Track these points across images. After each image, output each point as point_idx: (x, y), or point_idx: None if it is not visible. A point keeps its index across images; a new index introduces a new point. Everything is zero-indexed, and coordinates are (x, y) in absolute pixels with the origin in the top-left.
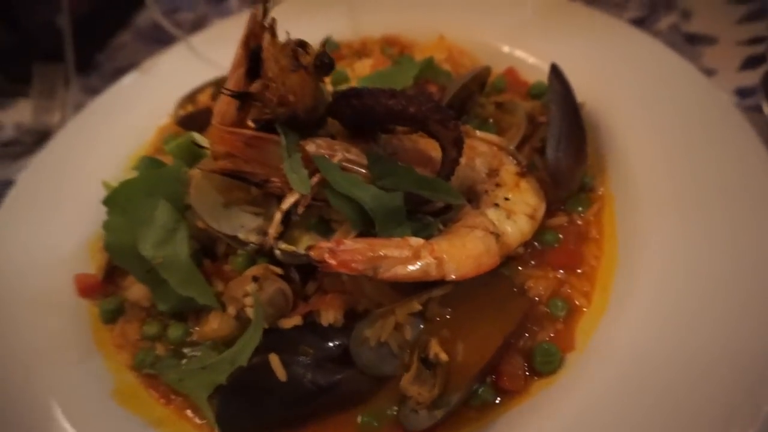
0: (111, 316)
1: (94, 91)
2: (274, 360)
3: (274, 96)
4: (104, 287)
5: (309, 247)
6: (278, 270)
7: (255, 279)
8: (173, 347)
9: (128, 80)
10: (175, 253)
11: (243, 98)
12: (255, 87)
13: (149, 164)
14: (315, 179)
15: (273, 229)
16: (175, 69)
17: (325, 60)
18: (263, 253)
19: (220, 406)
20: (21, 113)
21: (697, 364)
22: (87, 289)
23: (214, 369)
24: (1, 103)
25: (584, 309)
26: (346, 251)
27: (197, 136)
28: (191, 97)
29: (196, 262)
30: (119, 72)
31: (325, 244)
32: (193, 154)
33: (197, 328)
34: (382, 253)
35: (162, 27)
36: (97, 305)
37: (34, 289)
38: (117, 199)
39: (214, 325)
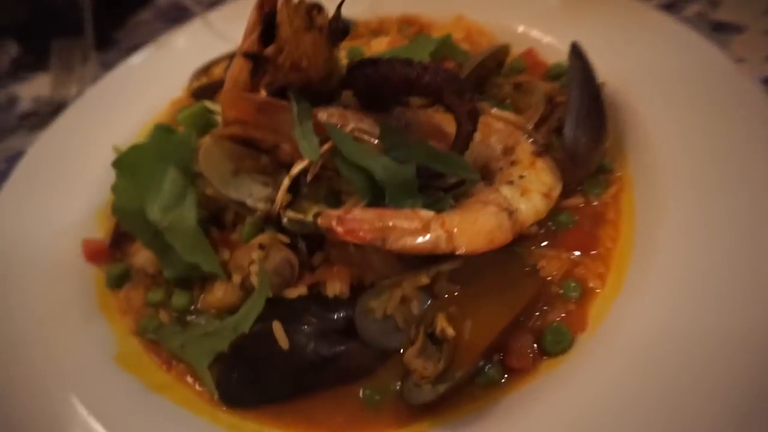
0: (117, 282)
1: (111, 67)
2: (278, 327)
3: (288, 60)
4: (111, 253)
5: (317, 214)
6: (285, 239)
7: (261, 247)
8: (177, 315)
9: (143, 55)
10: (183, 218)
11: (256, 61)
12: (269, 51)
13: (160, 131)
14: (325, 147)
15: (281, 194)
16: (190, 44)
17: (340, 24)
18: (271, 222)
19: (222, 374)
20: (39, 87)
21: (712, 350)
22: (94, 254)
23: (216, 336)
24: (21, 77)
25: (598, 291)
26: (354, 219)
27: (209, 104)
28: (206, 70)
29: (204, 230)
30: (137, 49)
31: (334, 212)
32: (204, 124)
33: (202, 297)
34: (391, 224)
35: (181, 4)
36: (104, 271)
37: (43, 254)
38: (126, 162)
39: (219, 293)
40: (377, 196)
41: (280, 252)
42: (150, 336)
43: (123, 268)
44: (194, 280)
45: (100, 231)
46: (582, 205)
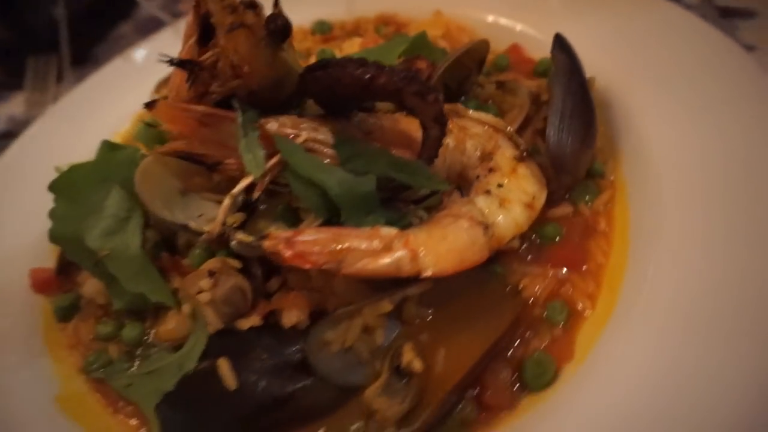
0: (65, 314)
1: None
2: (224, 365)
3: (226, 66)
4: (60, 282)
5: (262, 237)
6: (237, 264)
7: (210, 274)
8: (128, 349)
9: (108, 69)
10: (126, 244)
11: (186, 67)
12: (207, 56)
13: (105, 149)
14: (272, 161)
15: (220, 216)
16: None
17: (278, 22)
18: (221, 245)
19: (165, 417)
20: (15, 107)
21: (710, 383)
22: (41, 283)
23: (161, 374)
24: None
25: (587, 313)
26: (305, 242)
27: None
28: (167, 80)
29: (154, 255)
30: None
31: (282, 233)
32: (162, 140)
33: (155, 329)
34: (347, 245)
35: (159, 18)
36: (52, 302)
37: None
38: (65, 184)
39: (171, 325)
40: (336, 214)
41: (231, 279)
42: (96, 374)
43: (72, 299)
44: (147, 311)
45: (52, 259)
46: (571, 215)
